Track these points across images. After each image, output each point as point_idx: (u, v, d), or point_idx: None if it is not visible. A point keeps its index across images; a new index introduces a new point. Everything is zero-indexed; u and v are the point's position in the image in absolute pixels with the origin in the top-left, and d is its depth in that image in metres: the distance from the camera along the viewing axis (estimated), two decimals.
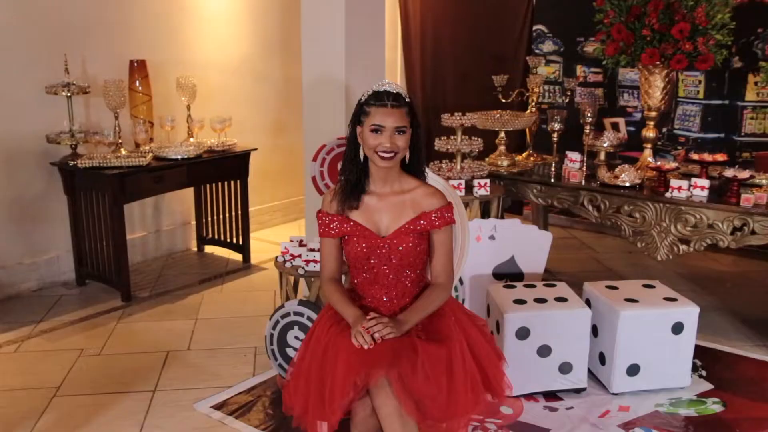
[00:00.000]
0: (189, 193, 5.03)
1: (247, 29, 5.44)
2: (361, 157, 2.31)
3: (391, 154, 2.24)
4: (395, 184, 2.32)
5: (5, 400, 3.12)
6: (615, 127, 5.39)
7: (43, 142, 4.26)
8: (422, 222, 2.28)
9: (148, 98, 4.56)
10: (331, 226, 2.33)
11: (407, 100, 2.28)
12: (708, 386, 3.26)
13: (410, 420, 2.06)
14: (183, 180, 4.46)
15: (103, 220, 4.22)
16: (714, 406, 3.10)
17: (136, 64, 4.52)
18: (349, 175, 2.32)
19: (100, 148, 4.36)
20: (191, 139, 4.72)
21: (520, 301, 3.16)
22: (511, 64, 5.79)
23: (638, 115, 5.35)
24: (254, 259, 4.98)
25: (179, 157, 4.35)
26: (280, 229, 5.77)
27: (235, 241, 5.00)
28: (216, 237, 5.10)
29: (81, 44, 4.42)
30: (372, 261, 2.29)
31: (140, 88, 4.53)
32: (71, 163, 4.17)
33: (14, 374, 3.36)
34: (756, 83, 4.82)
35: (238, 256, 5.00)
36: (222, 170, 4.70)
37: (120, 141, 4.31)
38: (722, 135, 5.02)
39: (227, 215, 4.99)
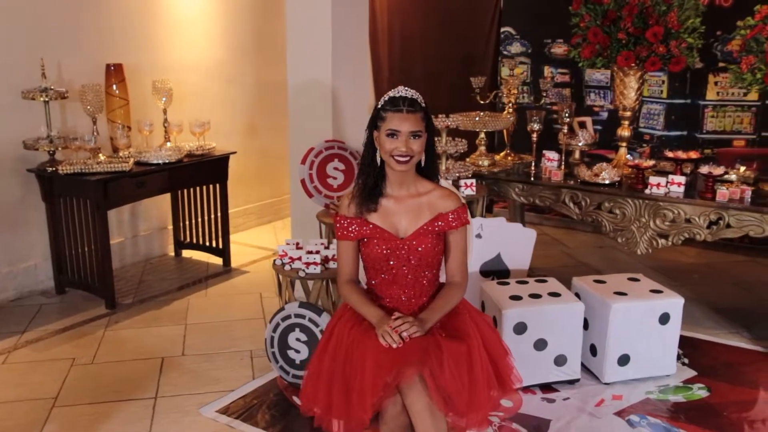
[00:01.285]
0: (165, 197, 4.98)
1: (220, 32, 5.42)
2: (378, 161, 2.36)
3: (407, 158, 2.30)
4: (411, 187, 2.39)
5: (2, 413, 3.07)
6: (582, 125, 5.56)
7: (18, 149, 4.18)
8: (440, 223, 2.35)
9: (125, 102, 4.52)
10: (350, 229, 2.38)
11: (423, 105, 2.34)
12: (692, 373, 3.43)
13: (441, 415, 2.14)
14: (164, 185, 4.44)
15: (84, 227, 4.17)
16: (700, 392, 3.26)
17: (112, 68, 4.47)
18: (367, 179, 2.37)
19: (79, 153, 4.29)
20: (168, 144, 4.68)
21: (515, 297, 3.26)
22: (480, 65, 5.92)
23: (605, 114, 5.54)
24: (233, 263, 4.97)
25: (161, 161, 4.32)
26: (255, 232, 5.77)
27: (214, 244, 4.98)
28: (194, 241, 5.07)
29: (56, 48, 4.35)
30: (391, 262, 2.35)
31: (117, 92, 4.48)
32: (50, 169, 4.10)
33: (7, 386, 3.30)
34: (716, 83, 5.06)
35: (217, 260, 4.98)
36: (202, 174, 4.69)
37: (99, 146, 4.26)
38: (685, 133, 5.25)
39: (205, 219, 4.97)
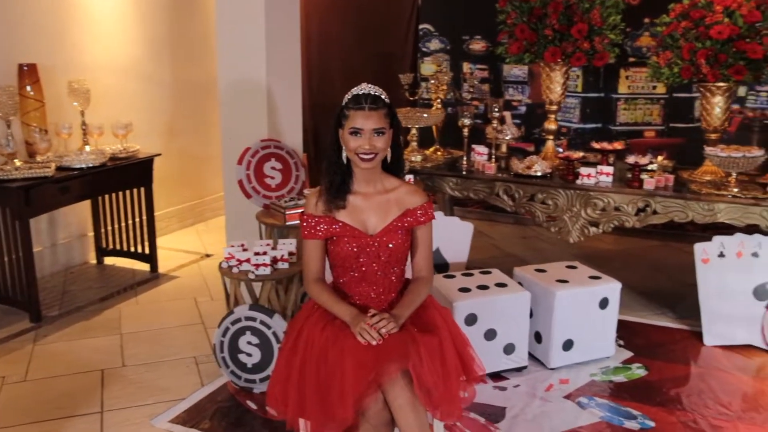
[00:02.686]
0: (85, 203, 4.75)
1: (135, 30, 5.20)
2: (344, 159, 2.35)
3: (371, 156, 2.30)
4: (378, 184, 2.39)
5: None
6: (501, 120, 5.70)
7: None
8: (409, 219, 2.37)
9: (40, 104, 4.28)
10: (318, 228, 2.36)
11: (386, 102, 2.35)
12: (629, 354, 3.61)
13: (423, 409, 2.16)
14: (89, 190, 4.25)
15: (3, 237, 3.92)
16: (639, 371, 3.43)
17: (26, 68, 4.22)
18: (334, 177, 2.36)
19: None
20: (87, 147, 4.47)
21: (464, 290, 3.32)
22: (399, 63, 5.97)
23: (523, 109, 5.72)
24: (161, 268, 4.80)
25: (84, 166, 4.13)
26: (178, 236, 5.59)
27: (139, 250, 4.79)
28: (117, 247, 4.86)
29: None
30: (361, 259, 2.35)
31: (32, 93, 4.24)
32: None
33: None
34: (627, 77, 5.32)
35: (143, 266, 4.80)
36: (127, 178, 4.50)
37: (15, 151, 4.02)
38: (600, 125, 5.49)
39: (129, 224, 4.78)
